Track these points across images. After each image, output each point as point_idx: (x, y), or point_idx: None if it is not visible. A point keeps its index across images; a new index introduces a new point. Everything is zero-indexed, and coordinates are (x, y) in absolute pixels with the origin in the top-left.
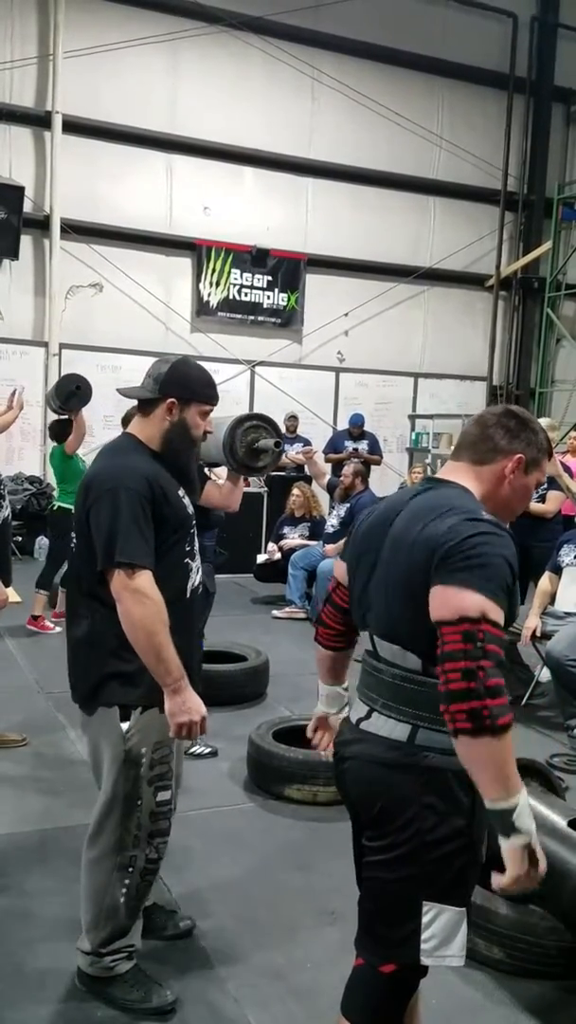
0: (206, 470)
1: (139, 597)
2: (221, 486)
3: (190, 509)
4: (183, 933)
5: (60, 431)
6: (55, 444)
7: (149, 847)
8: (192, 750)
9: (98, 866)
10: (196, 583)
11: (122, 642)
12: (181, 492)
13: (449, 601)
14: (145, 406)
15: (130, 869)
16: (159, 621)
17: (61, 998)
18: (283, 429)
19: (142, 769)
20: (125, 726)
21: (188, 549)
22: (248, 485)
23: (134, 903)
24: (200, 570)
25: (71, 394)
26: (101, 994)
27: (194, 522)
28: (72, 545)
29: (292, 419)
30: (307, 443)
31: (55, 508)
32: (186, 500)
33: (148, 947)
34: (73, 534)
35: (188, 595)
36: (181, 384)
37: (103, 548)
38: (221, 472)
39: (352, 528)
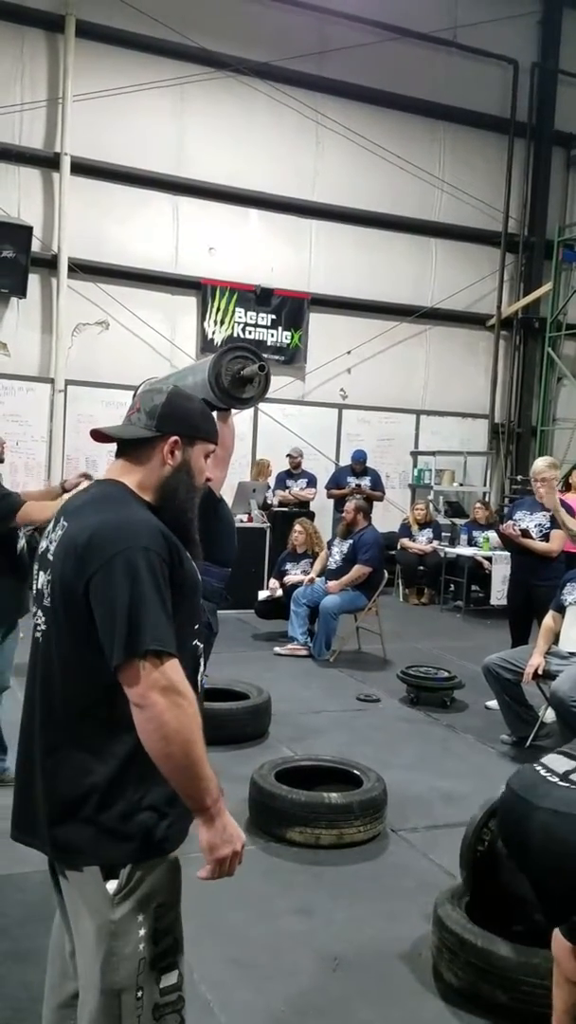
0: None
1: (174, 697)
2: None
3: (198, 576)
4: None
5: None
6: None
7: None
8: None
9: None
10: (204, 673)
11: (113, 779)
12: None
13: None
14: (134, 447)
15: None
16: (197, 726)
17: None
18: (286, 465)
19: (141, 945)
20: (111, 886)
21: (196, 627)
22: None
23: None
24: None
25: None
26: None
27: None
28: (39, 633)
29: (297, 455)
30: (311, 479)
31: None
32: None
33: None
34: (40, 620)
35: (199, 691)
36: (183, 418)
37: (124, 633)
38: None
39: None
